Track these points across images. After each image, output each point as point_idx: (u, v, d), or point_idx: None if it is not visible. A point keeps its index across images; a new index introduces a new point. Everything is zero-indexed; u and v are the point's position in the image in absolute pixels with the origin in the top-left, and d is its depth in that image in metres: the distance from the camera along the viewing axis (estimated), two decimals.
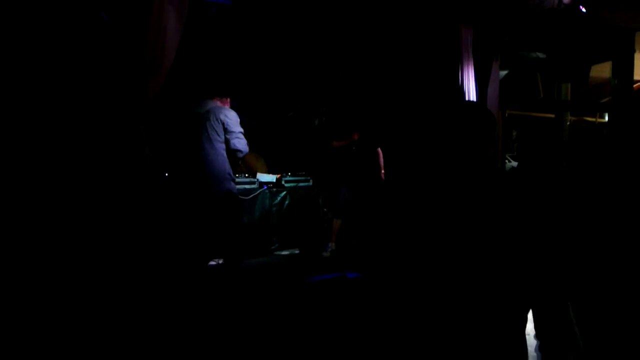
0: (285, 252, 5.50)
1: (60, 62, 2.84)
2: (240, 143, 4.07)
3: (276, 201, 5.55)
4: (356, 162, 5.16)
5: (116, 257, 2.97)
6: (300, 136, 6.88)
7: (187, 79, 4.49)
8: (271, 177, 5.58)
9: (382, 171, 5.33)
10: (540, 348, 3.22)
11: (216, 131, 4.01)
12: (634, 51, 6.23)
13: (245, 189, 5.23)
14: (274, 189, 5.57)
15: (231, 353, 2.88)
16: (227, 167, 4.05)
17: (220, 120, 4.04)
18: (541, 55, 6.15)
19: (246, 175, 5.54)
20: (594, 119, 8.36)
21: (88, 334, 2.63)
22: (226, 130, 4.03)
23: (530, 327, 3.47)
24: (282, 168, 6.28)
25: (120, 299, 2.92)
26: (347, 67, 5.97)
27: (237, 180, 4.76)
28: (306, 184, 5.95)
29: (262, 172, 5.84)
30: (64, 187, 2.85)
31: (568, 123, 7.12)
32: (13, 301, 2.55)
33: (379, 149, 5.30)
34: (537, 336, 3.36)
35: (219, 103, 4.19)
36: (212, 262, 4.43)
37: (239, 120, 4.16)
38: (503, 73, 6.02)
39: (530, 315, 3.56)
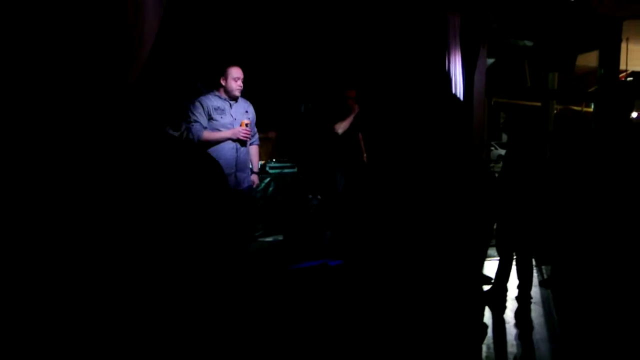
0: (269, 239, 5.47)
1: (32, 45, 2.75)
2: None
3: (260, 187, 5.51)
4: (346, 148, 5.12)
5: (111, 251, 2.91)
6: (287, 122, 6.83)
7: (169, 64, 4.39)
8: None
9: (364, 154, 5.32)
10: (519, 336, 3.24)
11: None
12: (620, 40, 6.23)
13: None
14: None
15: (212, 343, 2.86)
16: None
17: None
18: (529, 43, 6.13)
19: None
20: (580, 108, 8.39)
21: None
22: None
23: (510, 316, 3.49)
24: (266, 154, 6.24)
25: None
26: (332, 54, 5.91)
27: None
28: (291, 170, 5.91)
29: None
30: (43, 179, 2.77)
31: (554, 112, 7.13)
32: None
33: (360, 134, 5.29)
34: (516, 325, 3.38)
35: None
36: None
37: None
38: (490, 61, 6.00)
39: (510, 304, 3.59)
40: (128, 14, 2.87)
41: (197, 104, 3.90)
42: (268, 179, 5.62)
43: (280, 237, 5.51)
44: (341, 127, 4.96)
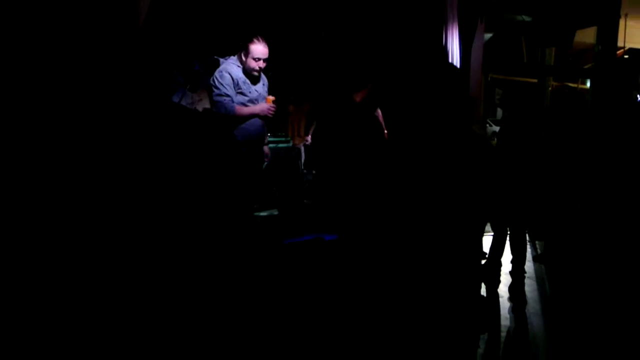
0: (264, 213, 5.46)
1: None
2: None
3: None
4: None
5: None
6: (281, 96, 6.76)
7: (170, 33, 4.30)
8: None
9: (385, 131, 5.10)
10: (513, 310, 3.27)
11: None
12: (619, 17, 6.18)
13: None
14: None
15: (209, 319, 2.87)
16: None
17: None
18: (527, 18, 6.07)
19: None
20: (576, 85, 8.36)
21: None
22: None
23: (504, 290, 3.52)
24: None
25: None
26: (330, 26, 5.82)
27: None
28: (286, 144, 5.88)
29: None
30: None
31: (550, 88, 7.11)
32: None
33: (378, 110, 5.09)
34: (510, 299, 3.41)
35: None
36: None
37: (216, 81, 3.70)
38: (487, 36, 5.95)
39: (504, 279, 3.62)
40: None
41: (225, 74, 3.51)
42: None
43: (275, 212, 5.50)
44: (359, 96, 4.74)
